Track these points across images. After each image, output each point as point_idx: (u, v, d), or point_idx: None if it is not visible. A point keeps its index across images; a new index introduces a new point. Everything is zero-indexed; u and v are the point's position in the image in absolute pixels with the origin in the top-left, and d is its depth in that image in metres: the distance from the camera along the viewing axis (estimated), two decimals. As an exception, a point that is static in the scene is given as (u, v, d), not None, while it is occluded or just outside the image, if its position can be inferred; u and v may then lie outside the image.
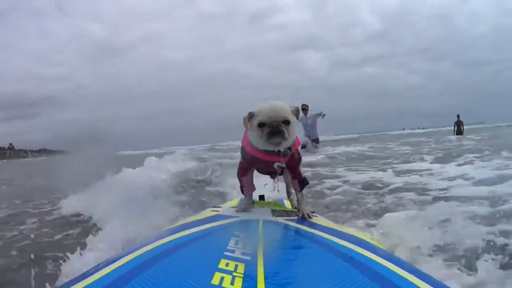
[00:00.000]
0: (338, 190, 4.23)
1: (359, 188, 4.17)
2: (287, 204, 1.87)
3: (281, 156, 1.43)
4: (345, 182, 4.66)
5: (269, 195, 1.98)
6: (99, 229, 2.91)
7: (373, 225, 2.54)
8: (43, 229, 3.44)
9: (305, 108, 9.22)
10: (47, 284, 1.77)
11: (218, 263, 0.86)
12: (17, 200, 5.59)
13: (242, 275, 0.81)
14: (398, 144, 13.00)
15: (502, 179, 3.60)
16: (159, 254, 0.94)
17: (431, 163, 6.37)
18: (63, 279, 1.89)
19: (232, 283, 0.76)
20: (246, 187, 1.64)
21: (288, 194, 1.84)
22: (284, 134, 1.35)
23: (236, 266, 0.85)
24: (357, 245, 1.07)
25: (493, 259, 1.65)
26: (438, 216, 2.34)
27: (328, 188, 4.37)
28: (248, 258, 0.92)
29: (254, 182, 1.66)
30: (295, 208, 1.66)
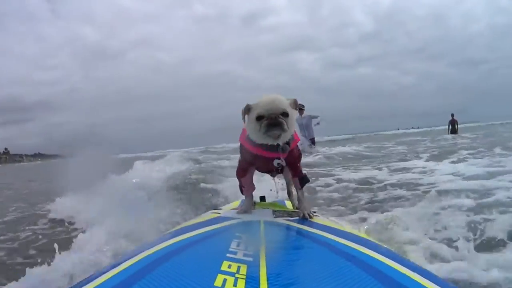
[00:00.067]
0: (335, 187, 4.35)
1: (355, 185, 4.32)
2: (288, 205, 1.86)
3: (280, 152, 1.41)
4: (343, 180, 4.76)
5: (270, 195, 1.98)
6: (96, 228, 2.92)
7: (366, 219, 2.72)
8: (57, 229, 3.55)
9: (300, 108, 9.18)
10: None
11: (221, 265, 0.86)
12: (23, 203, 5.60)
13: (244, 277, 0.80)
14: (393, 144, 13.10)
15: (490, 175, 3.82)
16: (161, 257, 0.94)
17: (427, 160, 6.48)
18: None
19: (235, 285, 0.76)
20: (246, 187, 1.62)
21: (289, 193, 1.81)
22: (283, 126, 1.32)
23: (239, 267, 0.85)
24: (359, 244, 1.07)
25: (474, 241, 1.91)
26: (428, 208, 2.65)
27: (324, 186, 4.48)
28: (250, 259, 0.91)
29: (256, 184, 1.64)
30: (296, 208, 1.64)
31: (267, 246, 1.03)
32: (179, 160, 7.35)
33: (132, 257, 0.97)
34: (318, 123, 9.11)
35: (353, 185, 4.38)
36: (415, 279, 0.83)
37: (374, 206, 3.27)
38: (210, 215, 1.62)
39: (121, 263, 0.92)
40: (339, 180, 4.76)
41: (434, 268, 1.64)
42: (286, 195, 1.90)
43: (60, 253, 2.05)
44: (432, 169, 4.90)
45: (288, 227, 1.31)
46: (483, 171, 4.18)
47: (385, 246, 1.28)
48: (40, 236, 3.34)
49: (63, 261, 1.98)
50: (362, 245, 1.06)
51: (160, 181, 4.81)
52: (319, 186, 4.53)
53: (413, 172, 4.88)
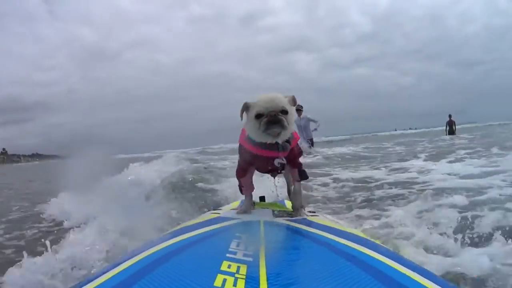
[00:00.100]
0: (333, 186, 4.44)
1: (353, 184, 4.42)
2: (288, 205, 1.84)
3: (281, 151, 1.39)
4: (341, 179, 4.84)
5: (269, 196, 1.99)
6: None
7: (364, 216, 2.84)
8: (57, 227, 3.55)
9: (299, 109, 9.16)
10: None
11: (220, 265, 0.86)
12: (26, 203, 5.59)
13: (244, 277, 0.80)
14: (392, 144, 13.16)
15: (485, 174, 3.93)
16: (161, 257, 0.94)
17: (425, 160, 6.54)
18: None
19: (234, 285, 0.76)
20: (246, 188, 1.61)
21: (289, 192, 1.79)
22: (283, 123, 1.31)
23: (238, 267, 0.85)
24: (359, 244, 1.06)
25: (464, 235, 2.01)
26: (423, 206, 2.79)
27: (322, 185, 4.55)
28: (250, 259, 0.91)
29: (255, 185, 1.62)
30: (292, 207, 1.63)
31: (266, 246, 1.03)
32: (176, 161, 7.36)
33: (132, 257, 0.96)
34: (316, 129, 9.08)
35: (351, 184, 4.45)
36: (415, 278, 0.83)
37: (370, 204, 3.34)
38: (209, 215, 1.61)
39: (121, 263, 0.92)
40: (338, 180, 4.82)
41: (426, 261, 1.72)
42: (286, 195, 1.90)
43: (51, 250, 2.01)
44: (429, 169, 4.96)
45: (288, 227, 1.31)
46: (479, 170, 4.27)
47: (385, 246, 1.29)
48: (45, 234, 3.35)
49: (52, 258, 1.96)
50: (362, 245, 1.06)
51: (156, 181, 4.84)
52: (317, 185, 4.58)
53: (410, 172, 4.95)
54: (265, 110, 1.31)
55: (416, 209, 2.75)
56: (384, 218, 2.63)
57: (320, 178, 5.06)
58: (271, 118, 1.30)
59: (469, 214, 2.40)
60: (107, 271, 0.87)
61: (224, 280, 0.78)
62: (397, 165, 5.95)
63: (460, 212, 2.48)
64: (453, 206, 2.69)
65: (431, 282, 0.82)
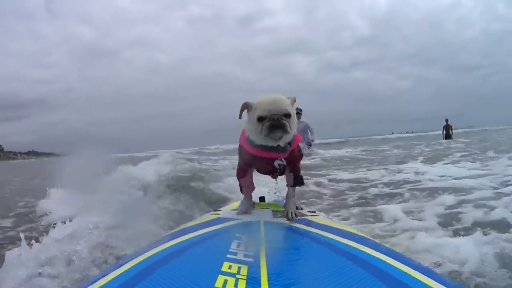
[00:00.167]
0: (332, 185, 4.59)
1: (351, 184, 4.59)
2: None
3: (280, 152, 1.37)
4: (339, 179, 5.03)
5: (269, 196, 2.00)
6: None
7: (357, 213, 3.01)
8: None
9: (298, 112, 9.17)
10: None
11: (221, 266, 0.85)
12: (31, 198, 5.49)
13: (245, 277, 0.80)
14: (390, 147, 13.27)
15: (477, 176, 4.18)
16: (162, 259, 0.94)
17: (422, 162, 6.69)
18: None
19: (235, 286, 0.75)
20: (246, 188, 1.59)
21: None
22: (286, 127, 1.27)
23: (239, 268, 0.84)
24: (359, 243, 1.06)
25: (448, 228, 2.27)
26: (413, 204, 3.09)
27: (322, 185, 4.67)
28: (251, 260, 0.91)
29: (256, 185, 1.62)
30: (296, 208, 1.62)
31: (267, 247, 1.02)
32: (171, 160, 7.37)
33: (133, 259, 0.96)
34: (312, 140, 9.07)
35: (349, 184, 4.60)
36: (416, 277, 0.83)
37: (364, 202, 3.50)
38: (210, 216, 1.61)
39: (122, 265, 0.91)
40: (336, 180, 4.98)
41: (413, 253, 1.88)
42: (285, 195, 1.88)
43: (33, 244, 2.01)
44: (424, 171, 5.10)
45: (288, 227, 1.30)
46: (471, 172, 4.50)
47: (386, 245, 1.29)
48: (30, 229, 3.32)
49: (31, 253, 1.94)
50: (362, 244, 1.06)
51: (151, 179, 4.86)
52: (315, 184, 4.68)
53: (406, 173, 5.13)
54: (267, 113, 1.27)
55: (407, 206, 3.00)
56: (378, 214, 2.85)
57: (320, 179, 5.15)
58: (274, 122, 1.26)
59: (455, 211, 2.66)
60: (109, 272, 0.87)
61: (225, 281, 0.77)
62: (395, 167, 6.05)
63: (446, 209, 2.75)
64: (441, 204, 2.94)
65: (432, 280, 0.81)
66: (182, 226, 1.53)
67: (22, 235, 2.02)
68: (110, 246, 2.15)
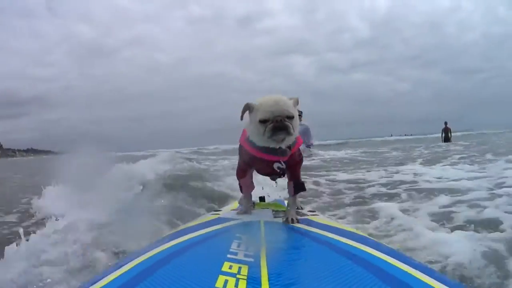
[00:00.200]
0: (331, 185, 4.66)
1: (348, 184, 4.66)
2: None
3: (280, 155, 1.35)
4: (338, 180, 5.11)
5: (269, 196, 2.01)
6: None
7: (353, 212, 3.09)
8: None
9: (299, 115, 9.07)
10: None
11: (222, 266, 0.85)
12: (31, 195, 5.52)
13: (246, 277, 0.79)
14: (390, 149, 13.31)
15: (474, 178, 4.21)
16: (162, 259, 0.93)
17: (420, 164, 6.72)
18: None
19: (236, 286, 0.75)
20: (245, 188, 1.58)
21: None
22: (289, 129, 1.25)
23: (240, 268, 0.84)
24: (360, 243, 1.05)
25: (441, 226, 2.38)
26: (409, 203, 3.20)
27: (321, 184, 4.75)
28: (251, 260, 0.90)
29: (256, 185, 1.60)
30: (297, 208, 1.61)
31: (267, 246, 1.02)
32: (170, 159, 7.41)
33: (133, 259, 0.96)
34: (311, 143, 9.07)
35: (347, 184, 4.68)
36: (417, 276, 0.82)
37: (361, 201, 3.58)
38: (210, 216, 1.60)
39: (123, 265, 0.91)
40: (335, 180, 5.05)
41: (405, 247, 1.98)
42: (285, 195, 1.88)
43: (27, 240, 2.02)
44: (422, 173, 5.16)
45: (288, 227, 1.30)
46: (468, 174, 4.56)
47: (387, 244, 1.30)
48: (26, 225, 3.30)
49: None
50: (363, 243, 1.05)
51: (149, 178, 4.85)
52: (314, 183, 4.74)
53: (403, 174, 5.20)
54: (270, 115, 1.24)
55: (403, 205, 3.11)
56: (374, 213, 2.94)
57: (319, 179, 5.20)
58: (277, 124, 1.24)
59: (448, 210, 2.77)
60: (109, 273, 0.87)
61: (226, 281, 0.77)
62: (394, 169, 6.07)
63: (441, 208, 2.86)
64: (436, 204, 3.03)
65: (433, 280, 0.81)
66: (183, 226, 1.52)
67: (21, 230, 2.04)
68: (107, 241, 2.15)
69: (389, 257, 0.94)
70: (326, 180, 5.10)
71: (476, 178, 4.20)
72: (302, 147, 1.50)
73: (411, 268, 0.87)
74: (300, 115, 9.38)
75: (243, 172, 1.54)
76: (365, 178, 5.05)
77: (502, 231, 2.10)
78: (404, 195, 3.59)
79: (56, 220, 2.47)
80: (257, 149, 1.35)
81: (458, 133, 25.86)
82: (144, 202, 3.48)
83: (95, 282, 0.82)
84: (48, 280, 1.68)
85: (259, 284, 0.77)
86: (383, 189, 4.11)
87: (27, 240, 2.01)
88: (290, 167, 1.44)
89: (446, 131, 16.18)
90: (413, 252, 1.89)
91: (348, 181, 4.90)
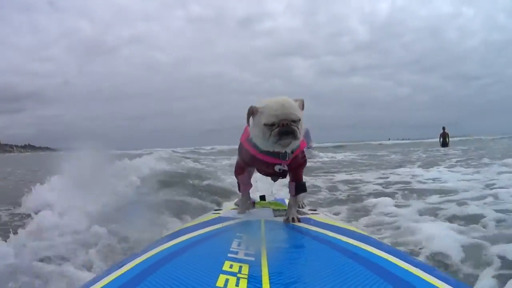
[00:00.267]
0: (329, 184, 4.81)
1: (346, 183, 4.85)
2: None
3: (282, 159, 1.31)
4: (336, 180, 5.28)
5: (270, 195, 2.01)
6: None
7: (348, 208, 3.26)
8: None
9: None
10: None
11: (222, 265, 0.84)
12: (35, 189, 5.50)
13: (246, 276, 0.79)
14: (388, 153, 13.39)
15: (467, 179, 4.43)
16: (163, 258, 0.92)
17: (419, 166, 6.85)
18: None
19: (237, 285, 0.74)
20: (243, 186, 1.54)
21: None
22: (296, 134, 1.20)
23: (240, 267, 0.83)
24: (360, 241, 1.05)
25: (427, 220, 2.49)
26: (401, 200, 3.44)
27: (319, 183, 4.87)
28: (252, 259, 0.90)
29: (255, 184, 1.62)
30: (299, 207, 1.60)
31: (268, 245, 1.01)
32: (167, 158, 7.45)
33: (134, 258, 0.95)
34: (311, 146, 9.10)
35: (345, 184, 4.84)
36: (418, 274, 0.82)
37: (356, 198, 3.76)
38: (210, 215, 1.59)
39: (124, 264, 0.90)
40: (333, 180, 5.21)
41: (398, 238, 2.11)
42: (286, 194, 1.88)
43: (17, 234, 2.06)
44: (418, 174, 5.32)
45: (289, 226, 1.29)
46: (463, 177, 4.73)
47: (387, 243, 1.30)
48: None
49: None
50: (364, 242, 1.04)
51: (146, 175, 4.94)
52: (312, 182, 4.82)
53: (399, 175, 5.42)
54: (276, 119, 1.18)
55: (395, 202, 3.29)
56: (367, 208, 3.15)
57: (318, 178, 5.35)
58: (284, 129, 1.18)
59: (437, 206, 2.95)
60: (110, 272, 0.86)
61: (227, 280, 0.76)
62: (392, 171, 6.18)
63: (430, 205, 3.05)
64: (427, 201, 3.22)
65: (433, 278, 0.80)
66: (183, 226, 1.52)
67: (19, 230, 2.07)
68: (107, 234, 2.16)
69: (390, 255, 0.93)
70: (325, 179, 5.23)
71: (469, 180, 4.36)
72: (308, 150, 1.48)
73: (412, 267, 0.86)
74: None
75: (241, 170, 1.51)
76: (363, 179, 5.18)
77: (483, 225, 2.28)
78: (398, 194, 3.76)
79: (58, 213, 2.49)
80: (259, 150, 1.31)
81: (456, 139, 25.92)
82: (145, 196, 3.55)
83: (96, 282, 0.81)
84: (51, 273, 1.69)
85: (260, 283, 0.76)
86: (379, 188, 4.27)
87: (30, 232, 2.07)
88: (293, 169, 1.41)
89: (444, 136, 16.16)
90: (398, 241, 2.06)
91: (347, 181, 5.04)
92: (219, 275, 0.78)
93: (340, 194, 4.12)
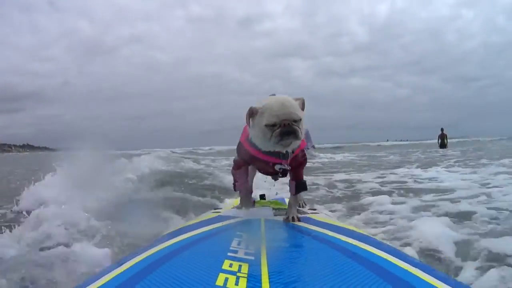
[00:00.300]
0: (327, 183, 4.86)
1: (343, 182, 4.93)
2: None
3: (282, 158, 1.30)
4: (334, 179, 5.36)
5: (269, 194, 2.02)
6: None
7: (345, 205, 3.33)
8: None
9: None
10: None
11: (222, 264, 0.83)
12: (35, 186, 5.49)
13: (246, 275, 0.78)
14: (387, 154, 13.43)
15: (463, 179, 4.52)
16: (163, 257, 0.92)
17: (418, 167, 6.90)
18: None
19: (236, 284, 0.74)
20: (239, 182, 1.50)
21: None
22: (298, 134, 1.18)
23: (240, 266, 0.83)
24: (360, 241, 1.04)
25: (419, 216, 2.54)
26: (396, 197, 3.50)
27: (317, 182, 4.94)
28: (252, 258, 0.89)
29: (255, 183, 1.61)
30: (299, 206, 1.60)
31: (268, 245, 1.01)
32: (165, 158, 7.49)
33: (134, 257, 0.94)
34: (313, 147, 9.12)
35: (343, 183, 4.93)
36: (417, 274, 0.81)
37: (353, 196, 3.86)
38: (210, 214, 1.58)
39: (124, 263, 0.90)
40: (332, 179, 5.31)
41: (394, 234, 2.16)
42: (286, 193, 1.87)
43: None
44: (416, 174, 5.41)
45: (289, 225, 1.28)
46: (461, 176, 4.82)
47: (387, 243, 1.30)
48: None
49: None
50: (363, 242, 1.04)
51: (144, 173, 4.99)
52: (310, 181, 4.82)
53: (397, 174, 5.52)
54: (277, 119, 1.16)
55: (390, 199, 3.37)
56: (364, 207, 3.19)
57: (317, 178, 5.38)
58: (286, 129, 1.17)
59: (431, 203, 3.03)
60: (110, 270, 0.85)
61: (226, 279, 0.75)
62: (390, 171, 6.22)
63: (423, 202, 3.15)
64: (422, 199, 3.31)
65: (432, 278, 0.80)
66: (183, 224, 1.51)
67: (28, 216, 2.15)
68: (105, 227, 2.17)
69: (389, 255, 0.93)
70: (324, 179, 5.30)
71: (466, 179, 4.46)
72: (308, 150, 1.48)
73: (411, 267, 0.85)
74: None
75: (239, 167, 1.51)
76: (361, 179, 5.27)
77: (474, 221, 2.37)
78: (395, 192, 3.85)
79: (58, 206, 2.49)
80: (259, 149, 1.30)
81: (454, 140, 25.99)
82: (144, 194, 3.60)
83: (96, 279, 0.81)
84: (52, 268, 1.69)
85: (260, 282, 0.75)
86: (376, 187, 4.37)
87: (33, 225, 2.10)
88: (293, 168, 1.40)
89: (443, 137, 16.15)
90: (393, 236, 2.13)
91: (346, 180, 5.12)
92: (218, 274, 0.78)
93: (338, 191, 4.22)
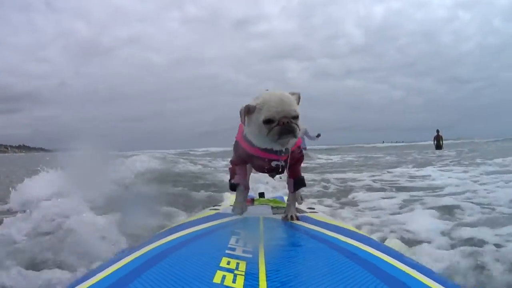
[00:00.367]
0: (325, 182, 4.97)
1: (340, 181, 5.12)
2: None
3: (279, 155, 1.28)
4: (332, 178, 5.50)
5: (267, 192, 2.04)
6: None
7: (337, 200, 3.52)
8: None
9: None
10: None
11: (220, 261, 0.82)
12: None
13: (243, 273, 0.77)
14: (384, 154, 13.54)
15: (456, 177, 4.73)
16: (160, 254, 0.90)
17: (414, 167, 7.04)
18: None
19: (234, 281, 0.72)
20: (237, 177, 1.46)
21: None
22: (296, 132, 1.14)
23: (238, 264, 0.82)
24: (358, 241, 1.03)
25: (407, 210, 2.75)
26: (387, 193, 3.68)
27: (316, 180, 5.09)
28: (250, 256, 0.88)
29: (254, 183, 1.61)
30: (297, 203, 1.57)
31: (266, 243, 1.00)
32: (160, 159, 7.56)
33: (131, 253, 0.93)
34: (318, 135, 9.04)
35: (339, 181, 5.12)
36: (415, 276, 0.81)
37: (346, 192, 4.04)
38: (209, 211, 1.58)
39: (121, 259, 0.88)
40: (328, 178, 5.41)
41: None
42: (285, 192, 1.87)
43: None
44: (411, 173, 5.55)
45: (287, 224, 1.27)
46: (455, 175, 5.01)
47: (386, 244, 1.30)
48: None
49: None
50: (361, 242, 1.03)
51: (138, 173, 5.17)
52: (309, 180, 4.91)
53: (391, 173, 5.70)
54: (276, 116, 1.12)
55: (381, 194, 3.57)
56: (355, 200, 3.42)
57: (316, 177, 5.47)
58: (285, 128, 1.13)
59: (419, 199, 3.20)
60: (107, 267, 0.84)
61: (223, 277, 0.74)
62: (386, 171, 6.32)
63: (412, 197, 3.32)
64: (412, 195, 3.47)
65: (429, 279, 0.79)
66: (181, 221, 1.50)
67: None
68: (113, 225, 2.20)
69: (387, 256, 0.92)
70: (322, 178, 5.37)
71: (457, 178, 4.68)
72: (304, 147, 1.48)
73: (409, 268, 0.85)
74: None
75: (235, 164, 1.48)
76: (356, 178, 5.43)
77: (458, 214, 2.56)
78: (387, 189, 4.05)
79: (58, 200, 2.59)
80: (256, 147, 1.28)
81: (449, 141, 26.17)
82: (140, 190, 3.74)
83: (93, 275, 0.80)
84: (52, 265, 1.69)
85: (257, 280, 0.74)
86: (370, 183, 4.57)
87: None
88: (291, 165, 1.37)
89: (438, 138, 16.19)
90: (378, 227, 2.28)
91: (343, 179, 5.30)
92: (216, 271, 0.76)
93: (331, 185, 4.49)
